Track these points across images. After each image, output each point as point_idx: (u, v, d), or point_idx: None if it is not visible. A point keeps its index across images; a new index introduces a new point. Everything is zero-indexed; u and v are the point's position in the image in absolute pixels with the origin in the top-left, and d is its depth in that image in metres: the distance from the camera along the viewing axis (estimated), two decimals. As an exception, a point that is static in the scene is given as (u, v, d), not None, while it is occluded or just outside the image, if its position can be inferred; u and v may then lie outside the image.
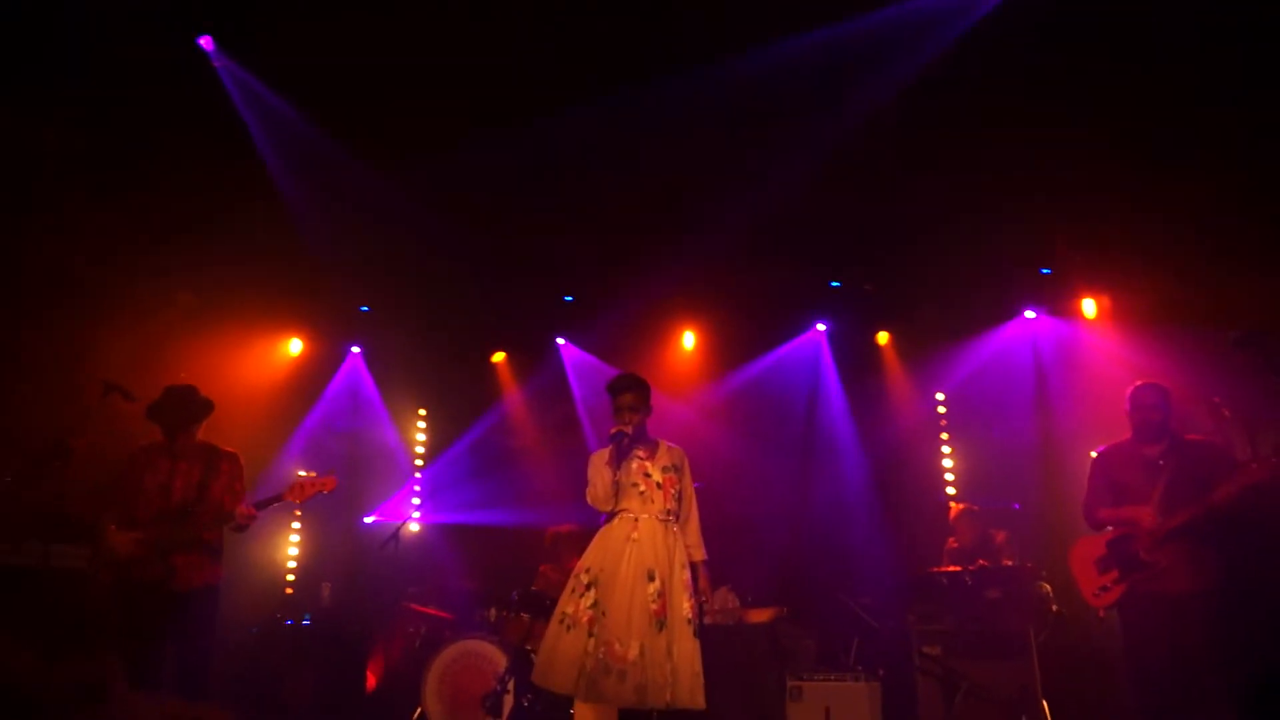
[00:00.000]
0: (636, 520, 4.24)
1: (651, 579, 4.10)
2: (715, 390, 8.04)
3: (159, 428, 4.62)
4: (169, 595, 4.30)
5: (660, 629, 4.03)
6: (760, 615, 6.08)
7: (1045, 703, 5.02)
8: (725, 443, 7.49)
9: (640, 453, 4.37)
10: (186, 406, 4.62)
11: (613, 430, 4.32)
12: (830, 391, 7.95)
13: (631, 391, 4.41)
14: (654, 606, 4.06)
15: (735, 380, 8.06)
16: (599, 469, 4.34)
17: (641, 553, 4.16)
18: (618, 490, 4.30)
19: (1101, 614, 4.48)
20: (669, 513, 4.29)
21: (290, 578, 7.84)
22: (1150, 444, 4.58)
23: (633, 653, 3.99)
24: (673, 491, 4.33)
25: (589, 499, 4.38)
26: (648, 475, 4.33)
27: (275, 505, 4.55)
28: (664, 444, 4.49)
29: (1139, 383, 4.70)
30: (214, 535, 4.49)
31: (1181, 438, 4.59)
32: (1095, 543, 4.56)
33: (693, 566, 4.33)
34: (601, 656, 4.00)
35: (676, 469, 4.41)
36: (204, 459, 4.56)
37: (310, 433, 7.87)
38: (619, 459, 4.28)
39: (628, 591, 4.08)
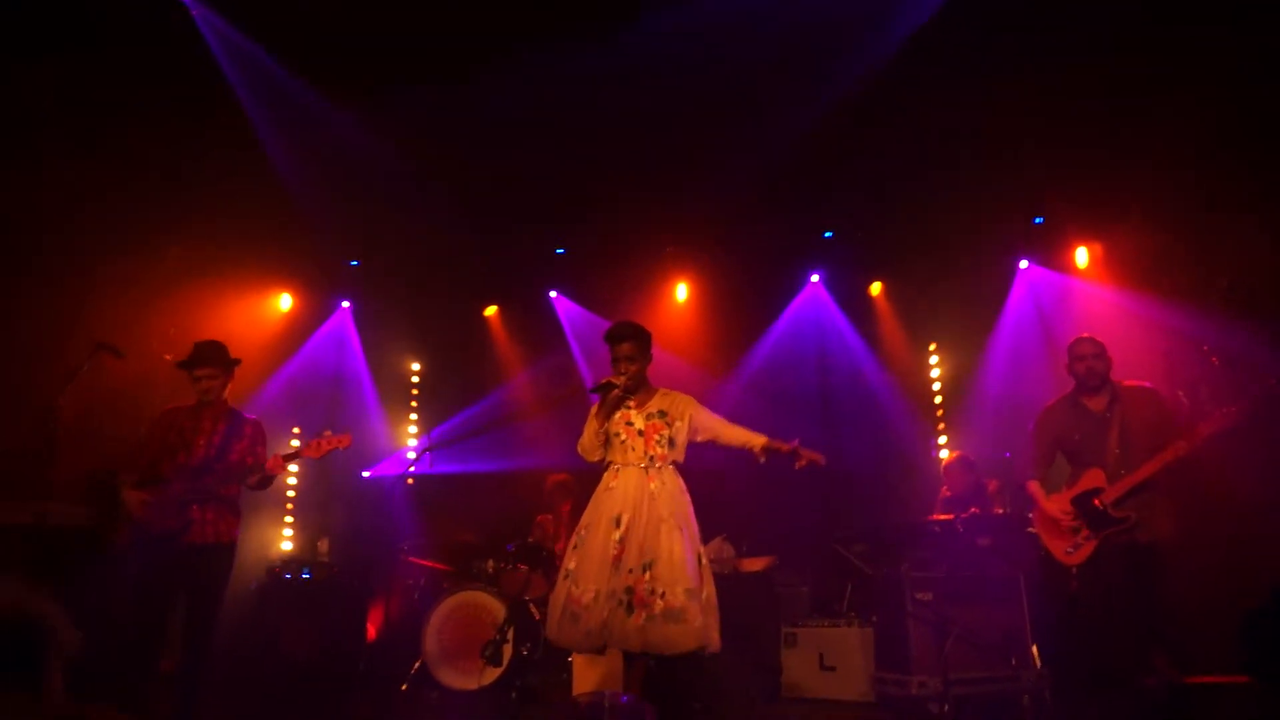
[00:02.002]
0: (618, 470, 4.21)
1: (617, 525, 4.06)
2: (708, 341, 8.04)
3: (189, 381, 4.67)
4: (185, 548, 4.39)
5: (616, 571, 3.98)
6: (755, 564, 6.18)
7: (1034, 646, 5.13)
8: (717, 392, 7.51)
9: (632, 402, 4.30)
10: (211, 355, 4.68)
11: (602, 380, 4.25)
12: (831, 341, 7.96)
13: (629, 341, 4.28)
14: (613, 552, 4.02)
15: (734, 333, 8.06)
16: (590, 419, 4.32)
17: (613, 500, 4.13)
18: (607, 441, 4.28)
19: (1074, 571, 4.54)
20: (651, 459, 4.19)
21: (288, 533, 7.89)
22: (1093, 396, 4.62)
23: (587, 596, 3.98)
24: (656, 438, 4.20)
25: (578, 449, 4.34)
26: (630, 424, 4.25)
27: (295, 460, 4.71)
28: (661, 391, 4.39)
29: (1076, 336, 4.74)
30: (231, 491, 4.57)
31: (1123, 387, 4.62)
32: (1059, 502, 4.61)
33: (766, 450, 4.21)
34: (568, 602, 4.03)
35: (664, 414, 4.26)
36: (228, 420, 4.66)
37: (299, 386, 7.84)
38: (606, 410, 4.24)
39: (595, 538, 4.09)
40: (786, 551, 6.36)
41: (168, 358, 4.70)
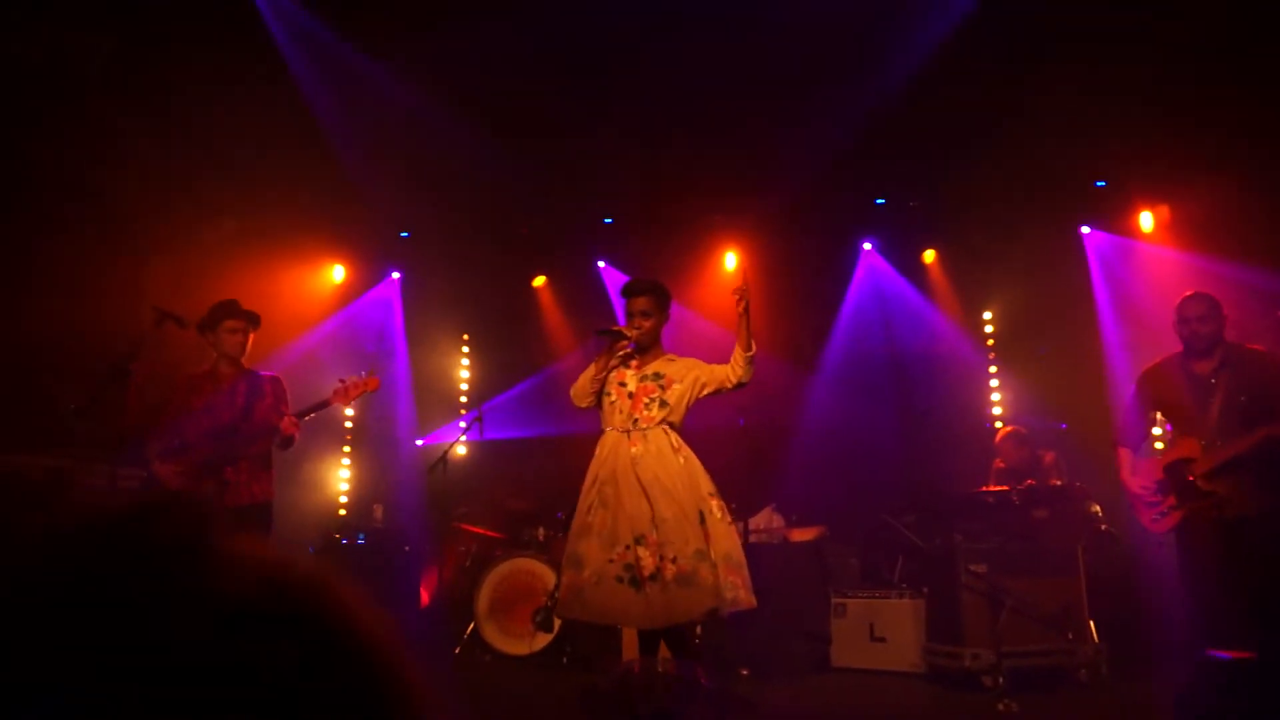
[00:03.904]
0: (604, 436, 4.08)
1: (600, 496, 3.92)
2: (759, 309, 7.93)
3: (210, 345, 4.71)
4: (223, 512, 4.43)
5: (603, 544, 3.85)
6: (804, 534, 6.14)
7: (1091, 621, 5.03)
8: (767, 364, 7.43)
9: (634, 361, 4.12)
10: (235, 309, 4.71)
11: (612, 327, 4.08)
12: (894, 311, 7.83)
13: (646, 295, 4.08)
14: (592, 520, 3.89)
15: (786, 301, 7.95)
16: (591, 364, 4.14)
17: (596, 469, 4.00)
18: (601, 399, 4.10)
19: (1161, 538, 4.40)
20: (635, 421, 3.97)
21: (343, 499, 8.04)
22: (1200, 359, 4.25)
23: (571, 568, 3.92)
24: (645, 400, 3.99)
25: (571, 392, 4.18)
26: (622, 385, 4.06)
27: (320, 412, 4.66)
28: (666, 356, 4.15)
29: (1186, 294, 4.38)
30: (260, 450, 4.59)
31: (1238, 349, 4.26)
32: (1151, 467, 4.44)
33: (743, 340, 3.95)
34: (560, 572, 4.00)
35: (660, 376, 4.04)
36: (248, 381, 4.69)
37: (346, 355, 7.90)
38: (607, 359, 4.05)
39: (580, 508, 4.00)
40: (836, 522, 6.31)
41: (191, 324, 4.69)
